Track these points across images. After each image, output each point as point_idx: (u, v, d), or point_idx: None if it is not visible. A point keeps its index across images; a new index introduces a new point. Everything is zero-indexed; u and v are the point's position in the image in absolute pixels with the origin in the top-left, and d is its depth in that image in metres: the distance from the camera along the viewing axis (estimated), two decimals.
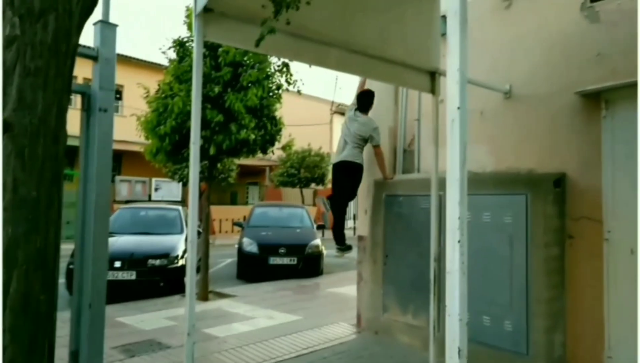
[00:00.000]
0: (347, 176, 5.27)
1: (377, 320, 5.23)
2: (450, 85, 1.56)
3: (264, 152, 7.69)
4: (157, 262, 7.59)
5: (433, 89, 4.02)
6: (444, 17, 4.39)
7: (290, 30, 2.93)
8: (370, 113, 5.46)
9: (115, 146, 3.79)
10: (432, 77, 3.99)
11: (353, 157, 5.21)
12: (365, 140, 5.23)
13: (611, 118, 3.78)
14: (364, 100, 5.37)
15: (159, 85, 7.26)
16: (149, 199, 18.06)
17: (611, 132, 3.77)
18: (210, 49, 6.66)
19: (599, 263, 3.76)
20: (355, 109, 5.40)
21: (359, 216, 5.83)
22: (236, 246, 10.58)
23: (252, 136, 6.82)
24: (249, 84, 6.73)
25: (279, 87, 7.28)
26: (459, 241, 1.48)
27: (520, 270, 3.95)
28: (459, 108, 1.54)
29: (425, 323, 4.46)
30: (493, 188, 4.20)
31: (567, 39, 4.04)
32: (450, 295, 1.48)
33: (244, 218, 14.16)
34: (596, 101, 3.84)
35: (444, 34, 4.42)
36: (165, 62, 7.47)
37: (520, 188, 4.03)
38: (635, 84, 3.56)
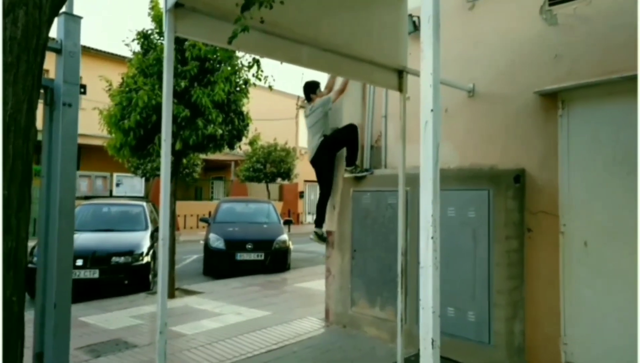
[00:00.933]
0: (321, 164, 5.39)
1: (345, 313, 5.33)
2: (424, 88, 1.63)
3: (231, 147, 7.63)
4: (121, 259, 7.43)
5: (400, 87, 4.11)
6: (410, 16, 4.50)
7: (262, 28, 2.94)
8: (340, 109, 5.53)
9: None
10: (400, 75, 4.08)
11: (317, 147, 5.36)
12: (325, 117, 5.38)
13: (567, 117, 3.98)
14: (305, 92, 5.65)
15: (122, 78, 7.07)
16: (110, 195, 17.57)
17: (567, 130, 3.97)
18: (176, 42, 6.53)
19: (555, 254, 3.98)
20: (307, 104, 5.65)
21: (327, 212, 5.89)
22: (202, 242, 10.48)
23: (219, 131, 6.75)
24: (217, 78, 6.66)
25: (246, 82, 7.23)
26: (432, 238, 1.55)
27: (483, 263, 4.12)
28: (432, 110, 1.60)
29: (392, 315, 4.58)
30: (457, 183, 4.35)
31: (527, 41, 4.22)
32: (424, 288, 1.56)
33: (210, 213, 14.00)
34: (553, 100, 4.03)
35: (411, 33, 4.53)
36: (128, 55, 7.28)
37: (483, 184, 4.19)
38: (589, 86, 3.77)
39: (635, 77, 3.50)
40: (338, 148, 5.42)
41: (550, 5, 4.08)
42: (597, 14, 3.81)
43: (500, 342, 4.01)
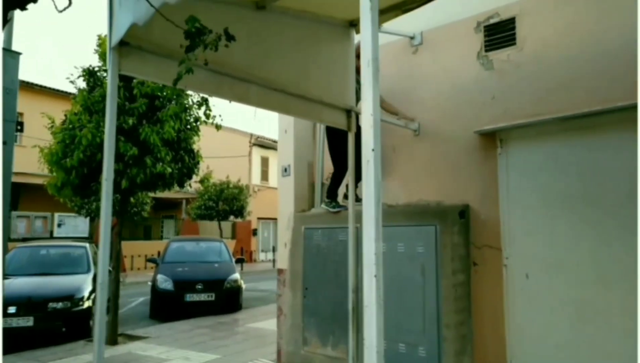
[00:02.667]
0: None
1: (298, 353, 5.20)
2: (365, 128, 1.68)
3: (181, 185, 7.49)
4: (59, 305, 6.98)
5: (349, 126, 4.21)
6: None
7: (209, 67, 2.95)
8: (290, 148, 5.58)
9: (13, 179, 3.52)
10: (348, 115, 4.20)
11: None
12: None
13: (505, 155, 4.20)
14: None
15: (65, 115, 6.85)
16: (51, 236, 16.62)
17: (506, 168, 4.18)
18: (125, 79, 6.44)
19: (500, 287, 4.09)
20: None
21: (278, 249, 5.83)
22: (150, 283, 10.04)
23: (169, 170, 6.63)
24: (166, 116, 6.58)
25: (197, 120, 7.19)
26: (375, 276, 1.56)
27: (431, 297, 4.17)
28: (373, 150, 1.65)
29: (344, 354, 4.51)
30: (406, 219, 4.44)
31: (467, 83, 4.47)
32: (367, 327, 1.55)
33: (159, 253, 13.51)
34: (492, 139, 4.25)
35: None
36: (73, 91, 7.09)
37: (430, 219, 4.30)
38: (522, 126, 4.01)
39: (562, 119, 3.78)
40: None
41: (486, 51, 4.36)
42: (527, 60, 4.11)
43: None
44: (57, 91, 17.44)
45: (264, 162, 27.11)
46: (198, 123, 7.27)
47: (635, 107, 3.45)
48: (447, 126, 4.59)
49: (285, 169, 5.67)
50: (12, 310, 6.56)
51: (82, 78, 6.81)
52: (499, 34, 4.29)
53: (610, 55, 3.70)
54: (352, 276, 3.86)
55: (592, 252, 3.67)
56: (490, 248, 4.19)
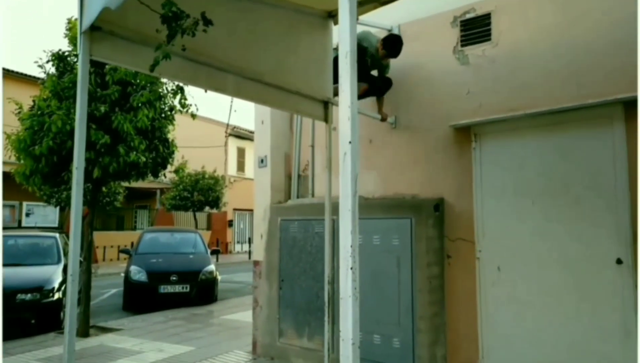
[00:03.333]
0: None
1: (273, 345, 5.21)
2: (342, 120, 1.67)
3: (155, 175, 7.35)
4: (28, 297, 6.80)
5: (326, 118, 4.20)
6: (335, 49, 4.64)
7: (186, 55, 2.89)
8: (267, 139, 5.55)
9: None
10: (325, 106, 4.18)
11: None
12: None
13: (479, 150, 4.26)
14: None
15: (34, 101, 6.62)
16: (19, 226, 16.14)
17: (480, 162, 4.24)
18: (96, 65, 6.26)
19: (473, 280, 4.17)
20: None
21: (254, 241, 5.80)
22: (122, 275, 9.88)
23: (143, 159, 6.49)
24: (140, 105, 6.43)
25: (171, 108, 7.05)
26: (351, 268, 1.56)
27: (406, 289, 4.22)
28: (350, 142, 1.64)
29: (320, 345, 4.54)
30: (382, 212, 4.47)
31: (443, 77, 4.51)
32: (343, 319, 1.56)
33: (132, 244, 13.27)
34: (467, 133, 4.31)
35: None
36: (42, 76, 6.85)
37: (406, 212, 4.34)
38: (496, 121, 4.07)
39: (535, 114, 3.85)
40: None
41: (462, 46, 4.40)
42: (502, 56, 4.17)
43: None
44: (25, 75, 16.84)
45: (240, 153, 26.88)
46: (173, 112, 7.13)
47: (605, 104, 3.55)
48: (423, 120, 4.62)
49: (262, 160, 5.63)
50: None
51: (51, 63, 6.59)
52: (474, 29, 4.33)
53: (582, 52, 3.78)
54: (328, 268, 3.87)
55: (561, 245, 3.78)
56: (463, 241, 4.26)
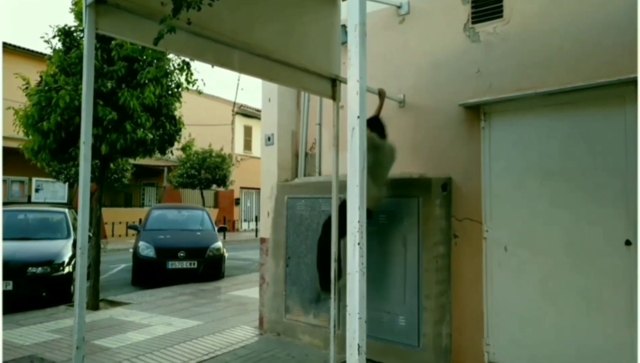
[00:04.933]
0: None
1: (280, 321, 5.27)
2: (351, 95, 1.65)
3: (162, 152, 7.36)
4: (39, 270, 6.91)
5: (334, 95, 4.16)
6: (344, 26, 4.57)
7: (191, 30, 2.86)
8: (274, 117, 5.52)
9: None
10: (333, 84, 4.13)
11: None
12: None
13: (489, 129, 4.21)
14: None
15: (41, 76, 6.61)
16: (29, 201, 16.32)
17: (489, 141, 4.20)
18: (102, 40, 6.22)
19: (479, 259, 4.18)
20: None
21: (261, 219, 5.82)
22: (131, 250, 10.01)
23: (150, 136, 6.49)
24: (146, 81, 6.40)
25: (178, 85, 7.02)
26: (358, 244, 1.56)
27: (413, 268, 4.24)
28: (359, 117, 1.62)
29: (326, 322, 4.59)
30: (389, 191, 4.45)
31: (453, 55, 4.43)
32: (350, 295, 1.56)
33: (140, 221, 13.40)
34: (476, 113, 4.25)
35: (344, 43, 4.60)
36: (48, 52, 6.83)
37: (413, 192, 4.32)
38: (507, 100, 4.01)
39: (546, 94, 3.78)
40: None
41: (473, 23, 4.31)
42: (514, 33, 4.08)
43: (428, 345, 4.14)
44: (31, 51, 16.79)
45: (247, 131, 26.83)
46: (180, 89, 7.11)
47: (618, 84, 3.47)
48: (432, 98, 4.56)
49: (269, 138, 5.61)
50: None
51: (57, 38, 6.55)
52: (486, 5, 4.24)
53: (595, 30, 3.69)
54: (334, 246, 3.88)
55: (570, 226, 3.76)
56: (471, 221, 4.24)
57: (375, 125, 4.12)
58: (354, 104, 1.65)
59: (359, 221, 1.60)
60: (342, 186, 3.92)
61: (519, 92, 3.93)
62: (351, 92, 1.66)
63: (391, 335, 4.31)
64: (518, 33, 4.06)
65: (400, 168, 4.68)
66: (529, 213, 3.97)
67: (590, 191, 3.68)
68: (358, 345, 1.53)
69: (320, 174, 5.41)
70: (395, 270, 4.34)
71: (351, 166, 1.64)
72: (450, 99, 4.38)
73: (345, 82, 4.04)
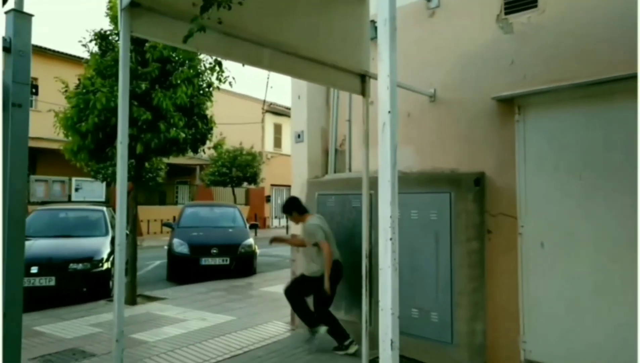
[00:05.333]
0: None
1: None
2: (381, 90, 1.64)
3: (195, 151, 7.51)
4: (80, 266, 7.17)
5: (363, 91, 4.14)
6: (373, 21, 4.54)
7: (221, 29, 2.90)
8: (303, 114, 5.54)
9: (30, 144, 3.54)
10: (363, 80, 4.11)
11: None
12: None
13: (523, 122, 4.10)
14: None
15: (79, 79, 6.85)
16: (69, 200, 16.95)
17: (523, 135, 4.09)
18: (137, 43, 6.39)
19: (514, 255, 4.08)
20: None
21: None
22: (166, 247, 10.25)
23: (182, 135, 6.64)
24: (179, 82, 6.55)
25: (209, 85, 7.14)
26: (390, 239, 1.55)
27: (445, 264, 4.18)
28: (389, 112, 1.61)
29: (357, 318, 4.59)
30: (420, 187, 4.41)
31: (485, 48, 4.34)
32: (383, 290, 1.56)
33: (174, 218, 13.72)
34: (510, 106, 4.15)
35: (373, 38, 4.57)
36: (85, 55, 7.07)
37: (445, 187, 4.26)
38: (541, 92, 3.90)
39: (583, 85, 3.66)
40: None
41: (506, 14, 4.21)
42: (549, 24, 3.96)
43: (461, 342, 4.08)
44: (70, 55, 17.41)
45: (277, 129, 27.03)
46: (211, 89, 7.24)
47: None
48: (463, 92, 4.48)
49: (299, 136, 5.64)
50: (34, 270, 6.76)
51: (94, 42, 6.77)
52: None
53: (634, 20, 3.53)
54: (365, 242, 3.87)
55: (608, 222, 3.63)
56: (505, 216, 4.15)
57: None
58: (385, 99, 1.64)
59: (390, 217, 1.59)
60: (373, 182, 3.93)
61: (555, 84, 3.81)
62: (381, 87, 1.65)
63: (423, 331, 4.27)
64: (553, 23, 3.94)
65: (431, 163, 4.63)
66: (565, 208, 3.85)
67: (628, 185, 3.54)
68: (391, 340, 1.53)
69: (350, 170, 5.41)
70: (426, 266, 4.29)
71: (382, 161, 1.64)
72: (482, 93, 4.29)
73: (374, 77, 4.05)
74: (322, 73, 3.86)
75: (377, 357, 3.69)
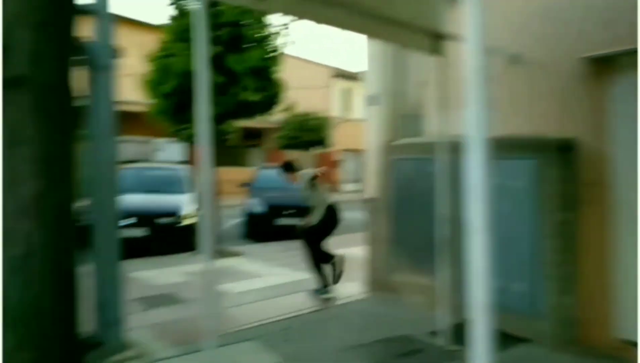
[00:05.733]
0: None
1: (386, 280, 5.35)
2: (469, 50, 1.59)
3: (266, 113, 7.69)
4: (166, 220, 7.73)
5: (439, 52, 3.98)
6: None
7: None
8: (378, 76, 5.46)
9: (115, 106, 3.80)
10: (438, 40, 3.94)
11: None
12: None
13: (617, 83, 3.74)
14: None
15: (159, 44, 7.17)
16: (152, 160, 18.03)
17: (617, 97, 3.73)
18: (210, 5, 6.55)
19: (609, 227, 3.80)
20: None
21: (366, 179, 5.88)
22: (243, 207, 10.70)
23: (254, 98, 6.80)
24: (249, 45, 6.67)
25: (276, 49, 7.22)
26: (481, 201, 1.54)
27: (532, 235, 3.99)
28: (477, 73, 1.57)
29: (434, 283, 4.57)
30: (502, 153, 4.17)
31: (575, 5, 3.96)
32: (473, 253, 1.57)
33: (249, 180, 14.20)
34: (602, 66, 3.78)
35: None
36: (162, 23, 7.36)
37: (530, 153, 4.04)
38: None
39: None
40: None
41: None
42: None
43: (550, 315, 3.91)
44: (148, 24, 18.28)
45: (346, 94, 26.78)
46: (279, 52, 7.31)
47: None
48: (548, 53, 4.14)
49: (373, 99, 5.56)
50: (132, 221, 7.36)
51: (172, 8, 7.02)
52: None
53: None
54: (444, 207, 3.81)
55: None
56: (598, 185, 3.86)
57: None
58: (473, 60, 1.59)
59: (478, 178, 1.56)
60: (450, 146, 3.80)
61: None
62: (469, 47, 1.60)
63: (509, 302, 4.13)
64: None
65: (514, 128, 4.38)
66: None
67: None
68: (483, 303, 1.55)
69: (425, 134, 5.28)
70: (513, 236, 4.11)
71: (471, 123, 1.60)
72: (569, 52, 3.94)
73: (451, 38, 3.85)
74: (395, 33, 3.74)
75: (455, 324, 3.63)
